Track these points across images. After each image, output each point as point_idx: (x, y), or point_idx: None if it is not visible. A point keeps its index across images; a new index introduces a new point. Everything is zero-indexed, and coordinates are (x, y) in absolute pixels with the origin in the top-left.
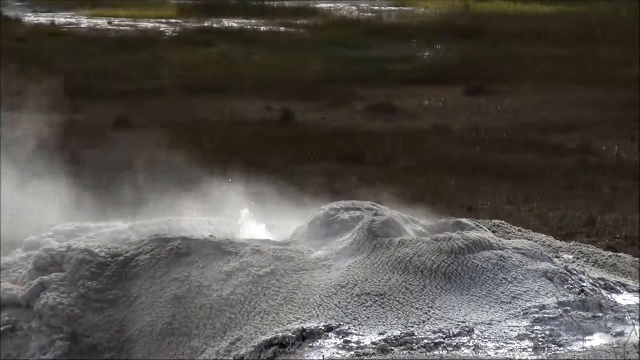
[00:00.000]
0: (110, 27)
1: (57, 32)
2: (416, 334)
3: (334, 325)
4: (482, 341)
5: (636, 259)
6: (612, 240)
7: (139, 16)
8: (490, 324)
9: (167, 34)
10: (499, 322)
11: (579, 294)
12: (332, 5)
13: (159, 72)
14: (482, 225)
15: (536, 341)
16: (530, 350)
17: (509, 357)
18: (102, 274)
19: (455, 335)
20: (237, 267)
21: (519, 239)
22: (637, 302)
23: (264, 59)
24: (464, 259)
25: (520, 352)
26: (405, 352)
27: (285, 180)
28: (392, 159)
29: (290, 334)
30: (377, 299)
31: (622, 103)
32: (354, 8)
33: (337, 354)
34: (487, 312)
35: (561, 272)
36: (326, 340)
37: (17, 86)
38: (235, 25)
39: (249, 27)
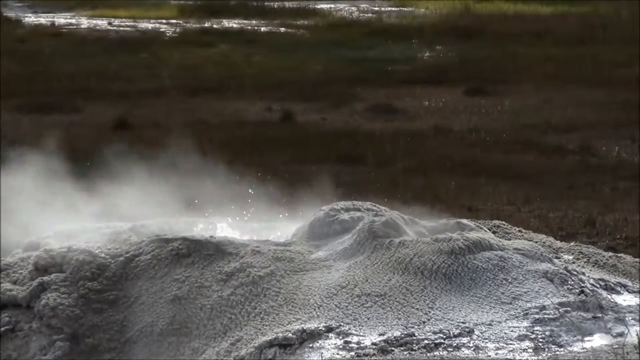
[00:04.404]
0: (111, 28)
1: (57, 33)
2: (416, 334)
3: (334, 325)
4: (482, 342)
5: (636, 259)
6: (612, 240)
7: (139, 16)
8: (490, 325)
9: (167, 34)
10: (499, 322)
11: (579, 294)
12: (332, 5)
13: (159, 72)
14: (482, 226)
15: (536, 342)
16: (530, 350)
17: (509, 357)
18: (102, 275)
19: (455, 336)
20: (237, 267)
21: (519, 239)
22: (638, 302)
23: (264, 59)
24: (464, 259)
25: (520, 352)
26: (405, 353)
27: (284, 181)
28: (392, 159)
29: (290, 335)
30: (377, 299)
31: (622, 103)
32: (353, 9)
33: (337, 354)
34: (487, 312)
35: (561, 273)
36: (326, 341)
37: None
38: (235, 25)
39: (249, 27)
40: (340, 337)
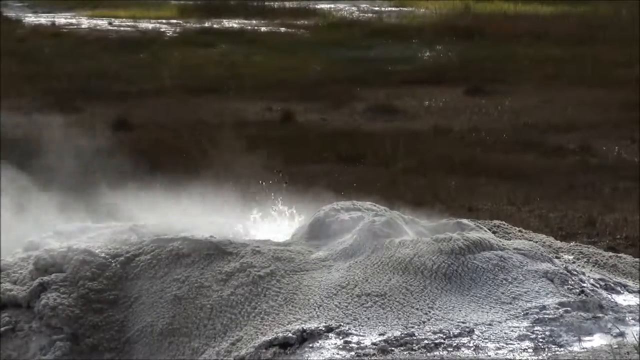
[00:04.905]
0: (111, 28)
1: (58, 33)
2: (416, 334)
3: (334, 325)
4: (482, 341)
5: (636, 259)
6: (612, 240)
7: (139, 16)
8: (490, 325)
9: (168, 34)
10: (499, 322)
11: (579, 294)
12: (332, 5)
13: (159, 72)
14: (482, 226)
15: (536, 342)
16: (531, 350)
17: (509, 357)
18: (102, 275)
19: (455, 336)
20: (237, 267)
21: (519, 239)
22: (638, 302)
23: (264, 59)
24: (464, 259)
25: (521, 352)
26: (405, 353)
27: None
28: (392, 159)
29: (290, 335)
30: (377, 299)
31: (622, 103)
32: (354, 8)
33: (337, 354)
34: (487, 312)
35: (561, 273)
36: (326, 341)
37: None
38: (235, 25)
39: (249, 27)
40: (340, 337)
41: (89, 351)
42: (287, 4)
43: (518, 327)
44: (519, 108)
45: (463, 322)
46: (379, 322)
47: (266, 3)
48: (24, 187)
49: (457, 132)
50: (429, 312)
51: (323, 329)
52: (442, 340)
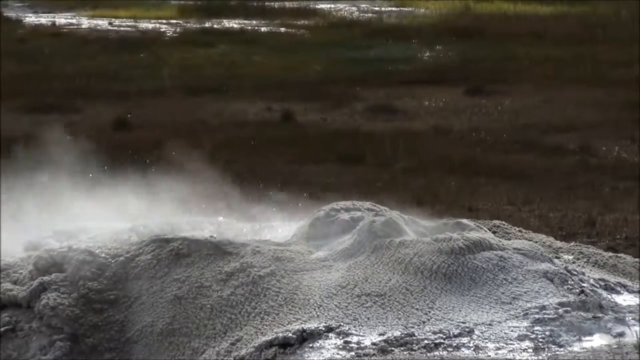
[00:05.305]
0: (111, 28)
1: (58, 33)
2: (416, 334)
3: (334, 325)
4: (482, 341)
5: (636, 259)
6: (612, 240)
7: (139, 17)
8: (490, 325)
9: (168, 34)
10: (499, 322)
11: (579, 294)
12: (332, 5)
13: (159, 72)
14: (482, 226)
15: (536, 342)
16: (530, 350)
17: (509, 357)
18: (102, 274)
19: (455, 336)
20: (237, 267)
21: (519, 239)
22: (637, 302)
23: (265, 59)
24: (464, 259)
25: (520, 352)
26: (405, 353)
27: (285, 181)
28: (392, 159)
29: (290, 335)
30: (377, 299)
31: (622, 103)
32: (354, 9)
33: (337, 354)
34: (487, 312)
35: (561, 273)
36: (326, 341)
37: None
38: (235, 25)
39: (249, 27)
40: (340, 337)
41: (89, 351)
42: (287, 4)
43: (518, 327)
44: (519, 108)
45: (463, 322)
46: (379, 322)
47: (266, 3)
48: None
49: (457, 132)
50: (429, 312)
51: (323, 329)
52: (442, 340)
